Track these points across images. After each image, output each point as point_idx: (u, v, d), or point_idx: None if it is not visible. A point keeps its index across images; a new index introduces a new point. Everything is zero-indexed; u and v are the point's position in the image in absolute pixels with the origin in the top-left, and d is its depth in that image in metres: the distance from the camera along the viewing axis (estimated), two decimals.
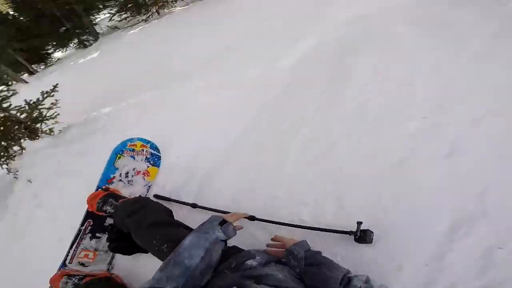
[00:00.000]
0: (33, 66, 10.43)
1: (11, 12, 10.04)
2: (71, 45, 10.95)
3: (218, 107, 2.48)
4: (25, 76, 9.99)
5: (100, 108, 3.36)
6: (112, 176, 1.92)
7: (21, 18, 10.06)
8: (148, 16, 8.57)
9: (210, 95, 2.64)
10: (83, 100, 4.40)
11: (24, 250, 2.15)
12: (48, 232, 2.11)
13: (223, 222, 1.11)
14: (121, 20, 9.40)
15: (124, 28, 8.90)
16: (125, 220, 1.41)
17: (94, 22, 10.51)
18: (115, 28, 9.71)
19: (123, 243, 1.65)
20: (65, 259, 1.73)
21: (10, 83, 2.69)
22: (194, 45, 4.43)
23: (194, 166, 2.07)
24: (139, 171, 2.02)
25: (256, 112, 2.29)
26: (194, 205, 1.71)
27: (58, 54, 11.38)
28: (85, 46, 10.41)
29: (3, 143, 2.62)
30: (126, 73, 4.74)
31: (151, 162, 2.07)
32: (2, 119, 2.66)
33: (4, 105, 2.64)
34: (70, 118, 3.36)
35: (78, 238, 1.79)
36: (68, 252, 1.75)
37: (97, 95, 4.32)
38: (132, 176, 1.99)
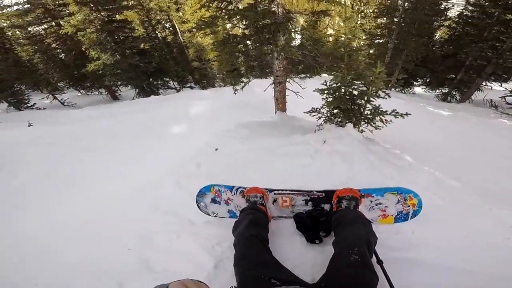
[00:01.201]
0: None
1: None
2: None
3: None
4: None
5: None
6: (374, 195, 2.02)
7: None
8: None
9: None
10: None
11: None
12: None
13: None
14: None
15: None
16: (344, 223, 1.60)
17: None
18: None
19: (306, 221, 1.95)
20: (276, 190, 2.14)
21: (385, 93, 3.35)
22: None
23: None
24: (384, 211, 2.01)
25: None
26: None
27: None
28: None
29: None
30: None
31: (397, 215, 2.01)
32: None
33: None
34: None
35: (303, 192, 2.11)
36: (286, 191, 2.13)
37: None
38: (377, 208, 2.01)
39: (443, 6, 12.01)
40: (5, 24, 14.52)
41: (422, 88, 14.32)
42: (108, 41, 11.66)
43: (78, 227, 2.65)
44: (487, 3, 10.05)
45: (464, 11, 11.48)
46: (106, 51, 11.65)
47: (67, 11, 11.94)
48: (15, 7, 12.16)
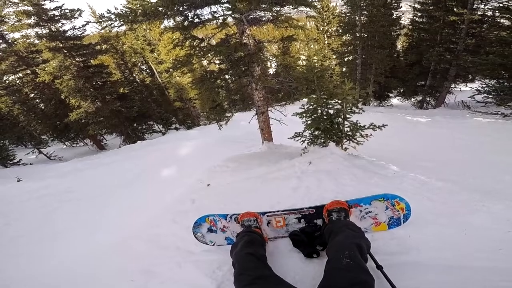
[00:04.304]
0: None
1: None
2: None
3: None
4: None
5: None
6: (361, 205, 2.09)
7: None
8: None
9: None
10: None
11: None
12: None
13: None
14: None
15: None
16: (334, 232, 1.68)
17: None
18: None
19: (301, 237, 2.00)
20: (269, 212, 2.21)
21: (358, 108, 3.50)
22: None
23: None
24: (376, 218, 2.07)
25: None
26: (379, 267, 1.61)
27: None
28: None
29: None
30: None
31: (390, 221, 2.07)
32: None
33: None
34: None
35: (294, 210, 2.18)
36: (278, 211, 2.21)
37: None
38: (368, 216, 2.08)
39: (394, 15, 12.93)
40: None
41: (398, 99, 14.96)
42: (87, 87, 11.68)
43: (77, 269, 2.85)
44: (431, 8, 10.78)
45: (414, 17, 12.23)
46: (86, 98, 11.63)
47: (41, 58, 11.91)
48: None
